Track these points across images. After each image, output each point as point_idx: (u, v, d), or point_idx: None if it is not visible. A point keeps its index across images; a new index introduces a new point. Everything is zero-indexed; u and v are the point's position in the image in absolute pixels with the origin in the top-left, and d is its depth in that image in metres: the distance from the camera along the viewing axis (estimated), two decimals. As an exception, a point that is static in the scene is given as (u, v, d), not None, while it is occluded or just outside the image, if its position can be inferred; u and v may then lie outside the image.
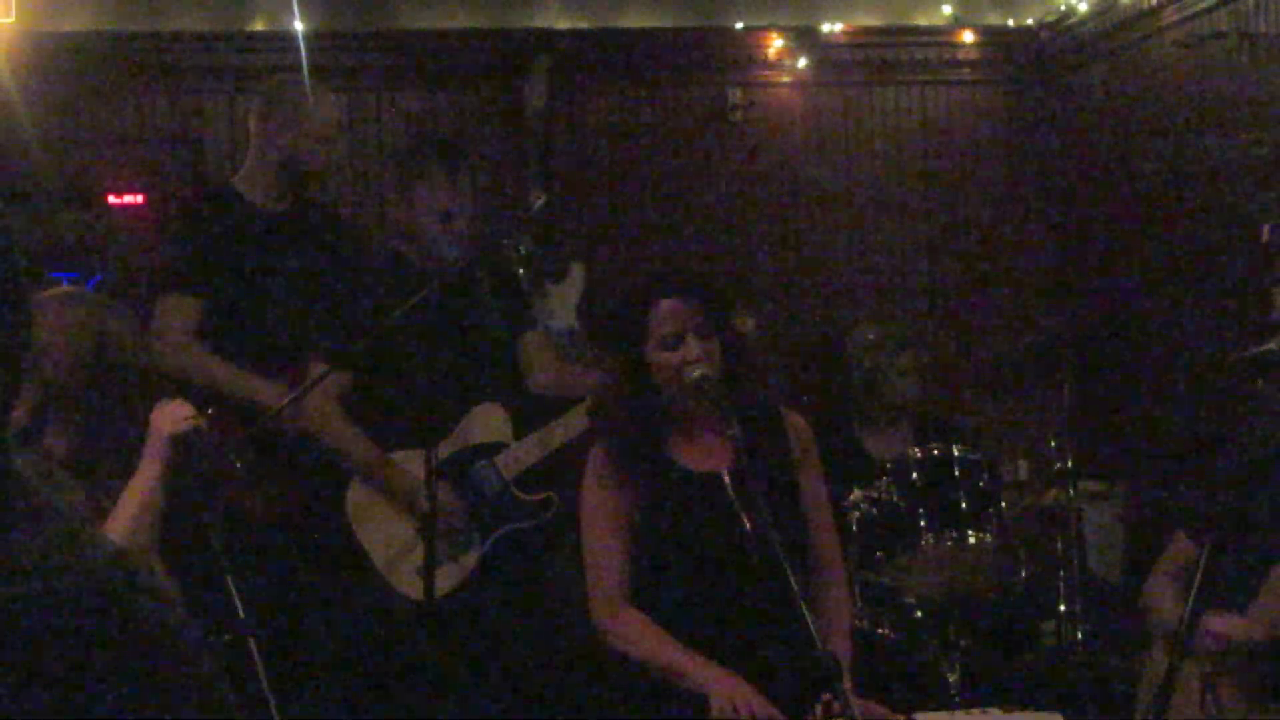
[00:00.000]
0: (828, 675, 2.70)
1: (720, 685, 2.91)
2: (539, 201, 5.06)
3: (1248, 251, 4.48)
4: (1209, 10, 4.96)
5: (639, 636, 3.05)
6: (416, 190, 4.02)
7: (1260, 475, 3.08)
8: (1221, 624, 2.99)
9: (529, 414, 4.12)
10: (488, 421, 4.06)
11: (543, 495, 4.04)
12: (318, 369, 3.84)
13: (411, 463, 3.93)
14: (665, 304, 3.15)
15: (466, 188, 4.06)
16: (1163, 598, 3.18)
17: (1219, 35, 4.88)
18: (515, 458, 4.02)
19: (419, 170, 4.03)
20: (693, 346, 3.11)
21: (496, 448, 4.03)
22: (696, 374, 3.09)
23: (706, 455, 3.18)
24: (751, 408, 3.19)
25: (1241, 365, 2.91)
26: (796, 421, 3.29)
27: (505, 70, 5.53)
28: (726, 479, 3.03)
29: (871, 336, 5.03)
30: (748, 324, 4.43)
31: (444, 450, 3.92)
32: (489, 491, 4.00)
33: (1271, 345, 2.93)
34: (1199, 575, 2.69)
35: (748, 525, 2.97)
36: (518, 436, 4.06)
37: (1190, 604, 2.70)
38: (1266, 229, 4.36)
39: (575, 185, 5.51)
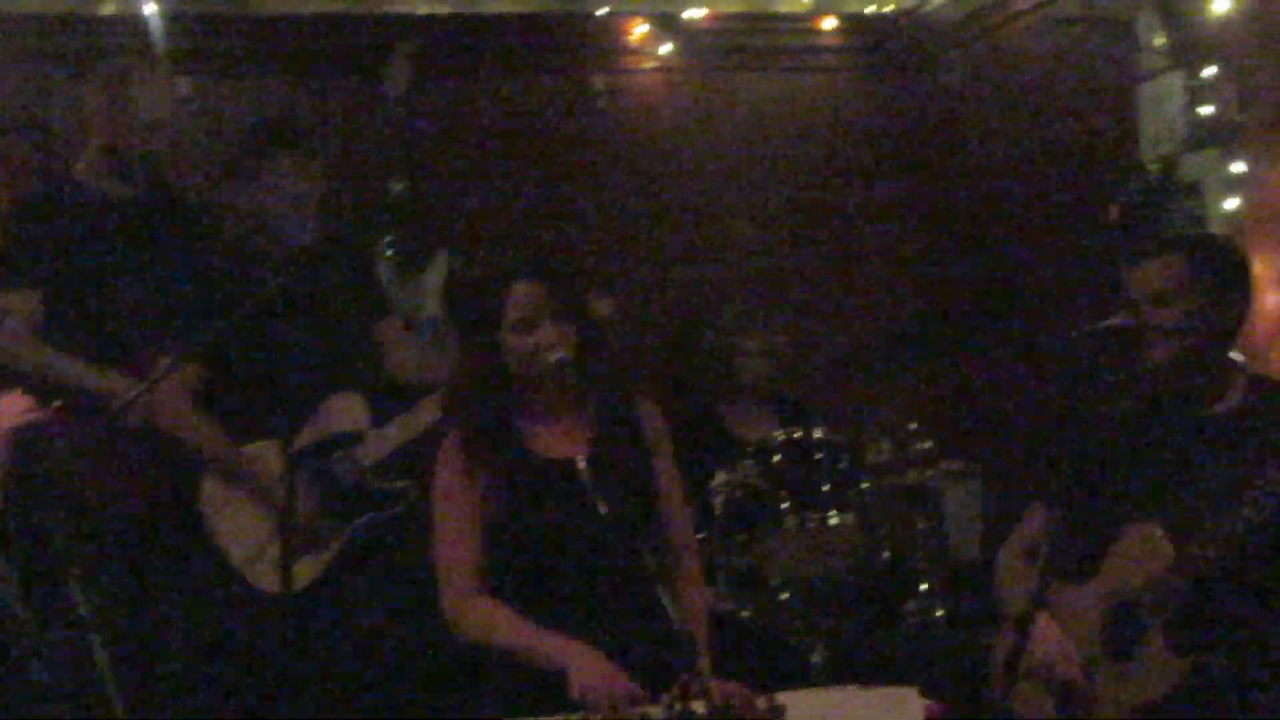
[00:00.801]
0: (685, 655, 2.70)
1: (579, 659, 2.91)
2: (397, 187, 5.00)
3: (1099, 230, 4.57)
4: (1060, -5, 5.07)
5: (493, 622, 3.04)
6: (264, 174, 3.96)
7: (1105, 446, 3.14)
8: (1045, 655, 3.05)
9: (387, 403, 4.09)
10: (344, 410, 4.02)
11: (402, 483, 4.01)
12: (166, 361, 3.76)
13: (267, 454, 3.90)
14: (519, 287, 3.14)
15: (316, 172, 4.01)
16: (1012, 575, 3.24)
17: (1070, 21, 4.98)
18: (373, 446, 3.99)
19: (266, 154, 3.97)
20: (547, 330, 3.11)
21: (354, 437, 4.00)
22: (552, 358, 3.09)
23: (562, 441, 3.18)
24: (607, 393, 3.19)
25: (1088, 339, 2.97)
26: (650, 408, 3.30)
27: (365, 56, 5.45)
28: (582, 464, 3.02)
29: (722, 318, 5.06)
30: (605, 307, 4.43)
31: (300, 440, 3.89)
32: (347, 481, 3.97)
33: (1115, 319, 2.99)
34: (1047, 545, 2.75)
35: (603, 511, 2.96)
36: (376, 425, 4.02)
37: (1039, 575, 2.75)
38: (1115, 208, 4.45)
39: (438, 172, 5.44)
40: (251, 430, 3.92)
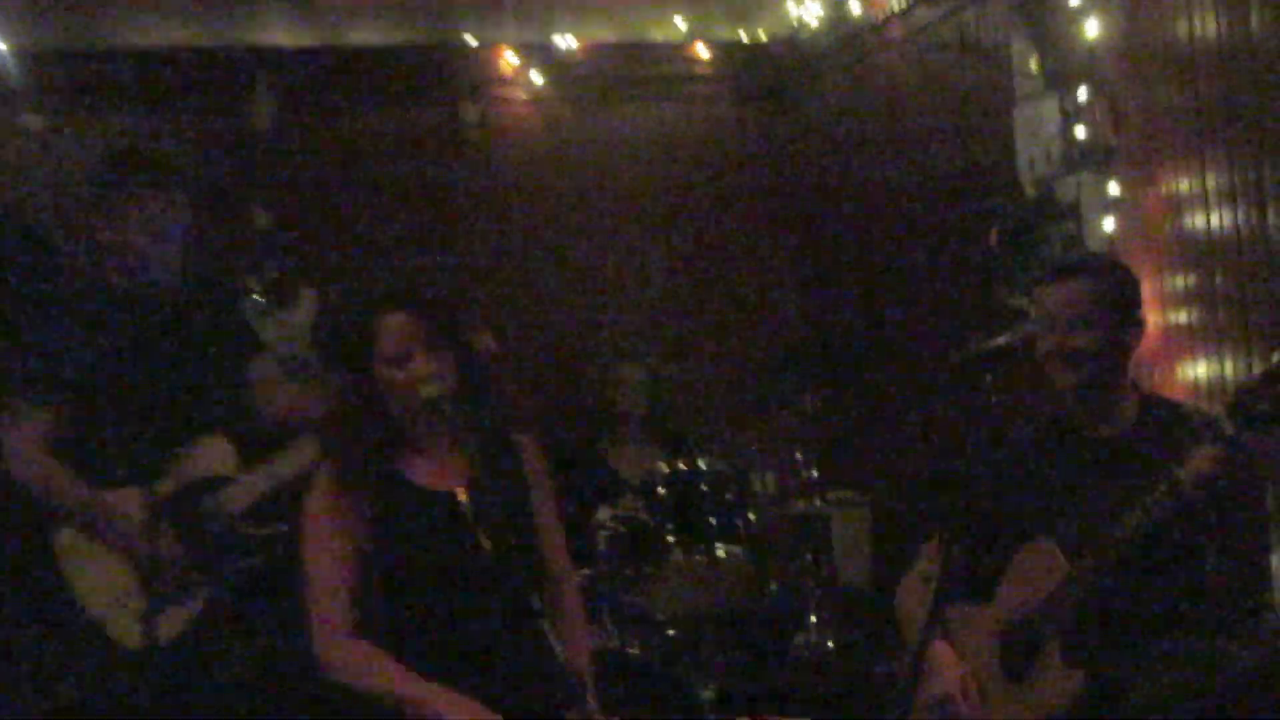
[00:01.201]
0: (572, 695, 2.63)
1: (456, 710, 2.82)
2: (263, 221, 4.89)
3: (979, 255, 4.59)
4: (934, 23, 5.10)
5: (367, 668, 2.94)
6: (126, 209, 3.82)
7: (999, 468, 3.15)
8: (941, 688, 3.04)
9: (257, 445, 3.96)
10: (211, 454, 3.89)
11: (274, 529, 3.87)
12: (16, 405, 3.62)
13: (128, 501, 3.73)
14: (391, 319, 3.06)
15: (180, 206, 3.89)
16: (913, 604, 3.21)
17: (943, 46, 5.02)
18: (242, 491, 3.86)
19: (127, 187, 3.83)
20: (421, 363, 3.02)
21: (221, 482, 3.87)
22: (429, 391, 2.99)
23: (441, 474, 3.09)
24: (488, 426, 3.11)
25: (970, 361, 2.95)
26: (529, 443, 3.23)
27: (229, 88, 5.34)
28: (463, 497, 2.95)
29: (600, 349, 5.04)
30: (483, 340, 4.36)
31: (164, 486, 3.76)
32: (214, 529, 3.83)
33: (999, 340, 2.98)
34: (940, 572, 2.73)
35: (485, 545, 2.89)
36: (246, 469, 3.90)
37: (932, 603, 2.73)
38: (994, 232, 4.47)
39: (306, 206, 5.33)
40: (112, 476, 3.75)
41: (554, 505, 3.22)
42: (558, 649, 2.63)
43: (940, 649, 3.07)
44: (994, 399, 2.89)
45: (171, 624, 3.70)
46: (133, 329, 3.62)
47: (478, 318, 4.56)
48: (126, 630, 3.67)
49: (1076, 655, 2.95)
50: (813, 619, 4.86)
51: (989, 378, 2.88)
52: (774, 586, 4.60)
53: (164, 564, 3.63)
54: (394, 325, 3.05)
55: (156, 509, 3.55)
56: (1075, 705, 2.91)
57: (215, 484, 3.86)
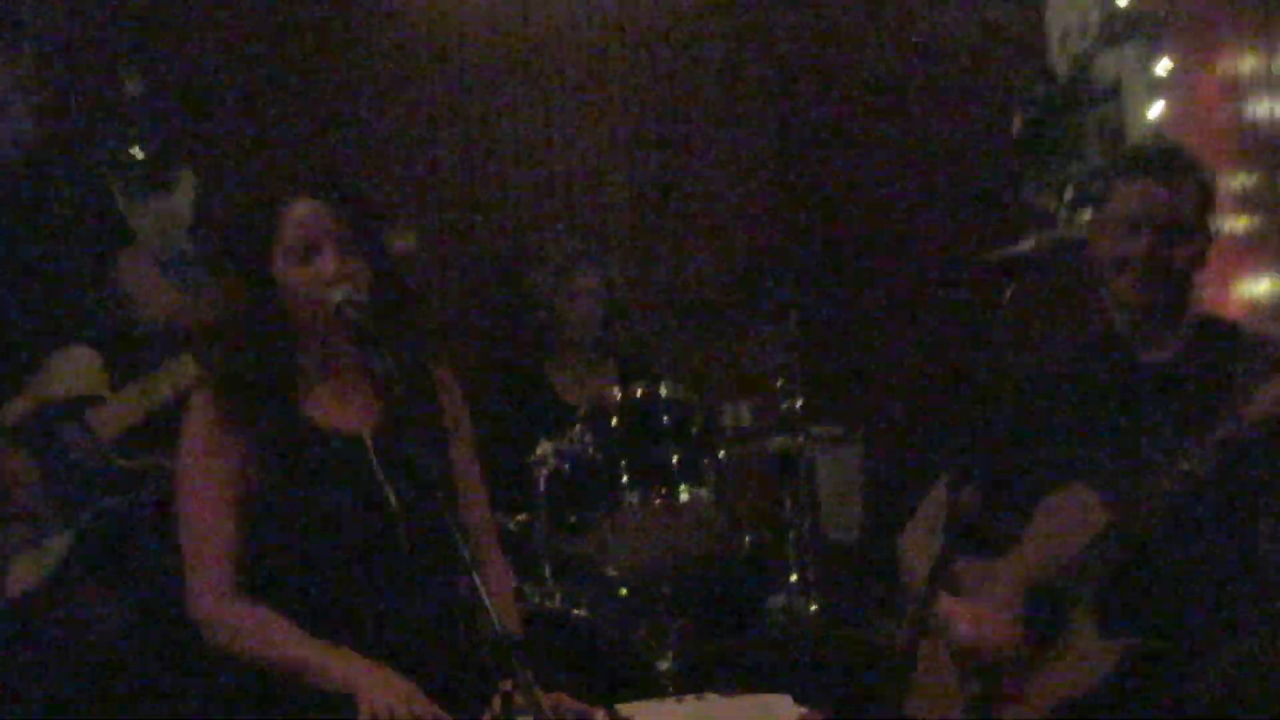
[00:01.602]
0: (505, 661, 2.63)
1: (369, 681, 2.82)
2: (133, 85, 4.84)
3: (998, 144, 4.59)
4: None
5: (257, 629, 2.93)
6: None
7: (1020, 402, 3.16)
8: (968, 629, 3.06)
9: (130, 358, 4.00)
10: (75, 369, 3.93)
11: (149, 461, 3.91)
12: None
13: None
14: (298, 206, 3.04)
15: (30, 68, 3.85)
16: (920, 552, 3.23)
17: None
18: (113, 414, 3.91)
19: None
20: (331, 261, 2.99)
21: (88, 402, 3.91)
22: (338, 296, 2.98)
23: (345, 411, 3.08)
24: (404, 349, 3.09)
25: (990, 268, 2.97)
26: (446, 378, 3.22)
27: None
28: (369, 440, 2.98)
29: (547, 253, 5.01)
30: (408, 240, 4.35)
31: (16, 408, 3.82)
32: (78, 458, 3.88)
33: (1026, 245, 2.99)
34: (949, 519, 2.74)
35: (392, 497, 2.94)
36: (116, 387, 3.94)
37: (940, 551, 2.74)
38: (1018, 118, 4.47)
39: (184, 71, 5.26)
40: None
41: (474, 453, 3.22)
42: (493, 612, 2.64)
43: (949, 603, 3.11)
44: (1015, 317, 2.90)
45: (23, 574, 3.77)
46: None
47: (397, 215, 4.55)
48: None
49: (1110, 625, 2.97)
50: (793, 577, 4.89)
51: (1010, 291, 2.89)
52: (747, 538, 4.61)
53: (16, 501, 3.72)
54: (301, 213, 3.02)
55: (6, 434, 3.62)
56: (1111, 680, 2.94)
57: (80, 405, 3.89)
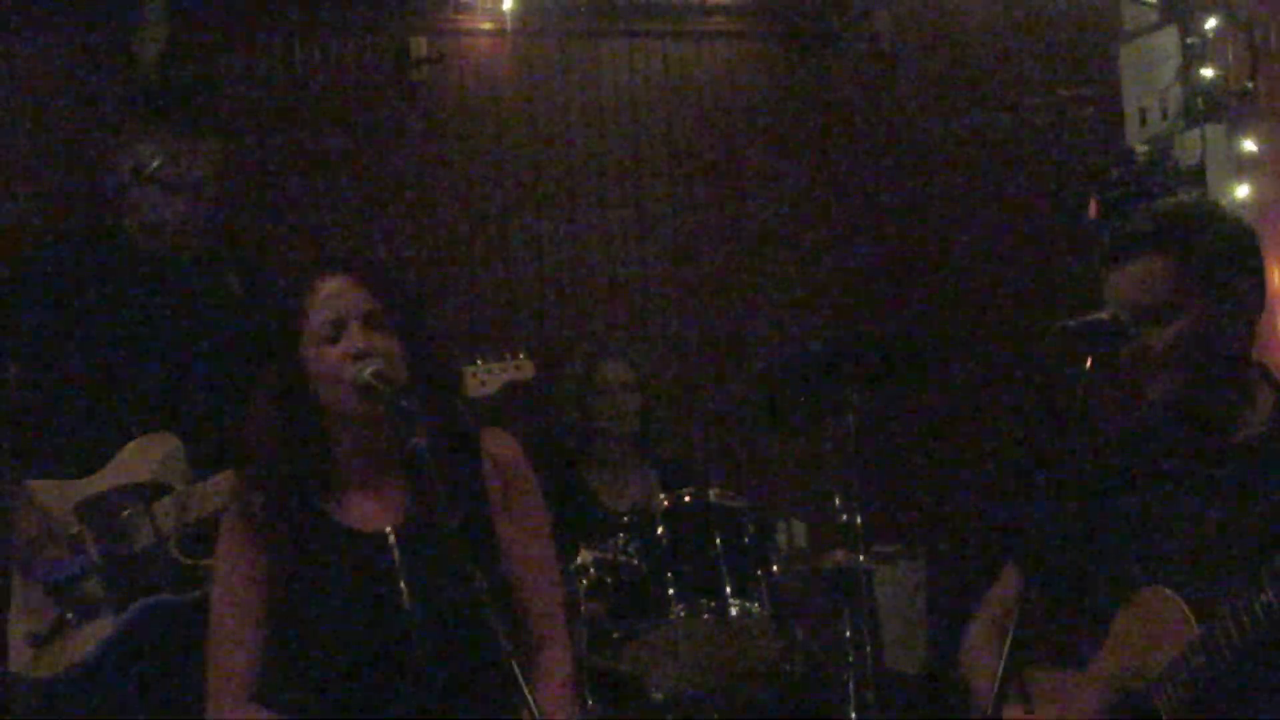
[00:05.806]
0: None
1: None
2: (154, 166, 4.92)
3: (1075, 232, 4.60)
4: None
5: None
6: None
7: (1096, 487, 3.10)
8: None
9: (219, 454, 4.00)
10: (151, 454, 3.98)
11: (207, 563, 3.83)
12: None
13: (47, 495, 3.89)
14: (326, 284, 3.04)
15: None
16: (983, 652, 3.17)
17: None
18: (180, 505, 3.93)
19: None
20: (358, 337, 2.99)
21: (157, 489, 3.94)
22: (367, 371, 2.96)
23: (374, 507, 3.07)
24: (441, 427, 3.06)
25: (1066, 338, 2.92)
26: (499, 443, 3.18)
27: (116, 15, 5.41)
28: (392, 538, 2.98)
29: (576, 345, 5.02)
30: (524, 371, 4.39)
31: (91, 486, 3.90)
32: (137, 546, 3.92)
33: (1101, 314, 2.94)
34: (1015, 615, 2.68)
35: (407, 597, 2.94)
36: (192, 480, 3.97)
37: (1006, 653, 2.68)
38: (1094, 202, 4.47)
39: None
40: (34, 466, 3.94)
41: (540, 531, 3.17)
42: (532, 708, 2.59)
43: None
44: (1090, 397, 2.85)
45: (69, 652, 3.83)
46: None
47: (517, 347, 4.57)
48: (17, 654, 3.83)
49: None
50: (851, 710, 4.83)
51: (1089, 361, 2.84)
52: (801, 659, 4.56)
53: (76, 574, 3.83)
54: (330, 291, 3.03)
55: (77, 510, 3.79)
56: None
57: (148, 490, 3.93)
